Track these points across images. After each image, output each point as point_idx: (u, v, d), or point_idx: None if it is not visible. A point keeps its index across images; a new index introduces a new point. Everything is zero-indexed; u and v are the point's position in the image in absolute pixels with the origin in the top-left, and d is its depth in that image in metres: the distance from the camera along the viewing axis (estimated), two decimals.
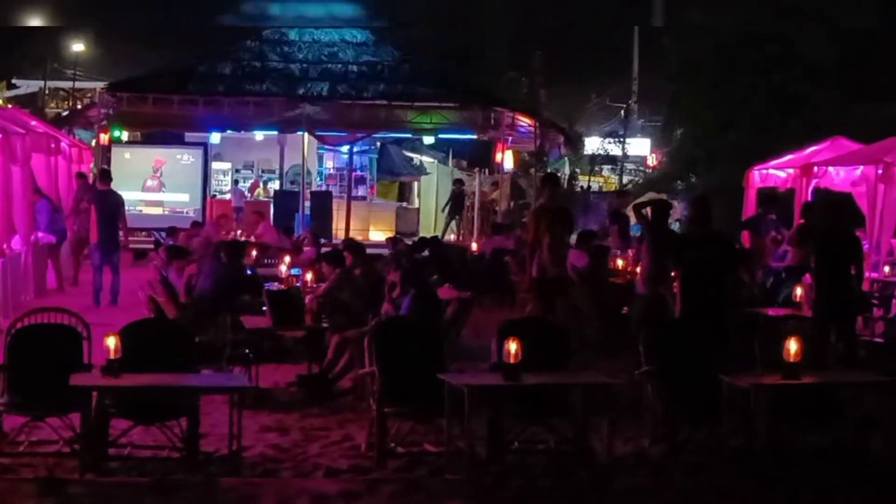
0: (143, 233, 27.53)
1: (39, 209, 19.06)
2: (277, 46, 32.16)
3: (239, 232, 23.76)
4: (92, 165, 25.97)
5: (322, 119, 29.99)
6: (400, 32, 35.88)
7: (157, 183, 29.37)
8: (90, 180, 22.78)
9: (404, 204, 37.63)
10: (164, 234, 21.83)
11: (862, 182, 17.69)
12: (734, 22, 31.77)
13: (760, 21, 31.37)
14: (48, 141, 19.67)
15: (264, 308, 13.64)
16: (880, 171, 16.90)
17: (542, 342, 10.19)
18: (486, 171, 34.59)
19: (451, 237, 32.44)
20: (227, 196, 34.21)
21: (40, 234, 19.25)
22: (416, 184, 38.62)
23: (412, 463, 9.70)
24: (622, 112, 44.43)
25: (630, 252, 18.23)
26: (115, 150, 29.23)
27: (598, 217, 32.19)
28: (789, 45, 31.01)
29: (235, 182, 35.82)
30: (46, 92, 48.26)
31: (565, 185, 35.92)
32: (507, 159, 31.18)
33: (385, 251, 20.34)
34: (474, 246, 24.78)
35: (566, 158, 39.12)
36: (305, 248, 19.62)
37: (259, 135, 32.58)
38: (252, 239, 22.09)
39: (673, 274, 12.70)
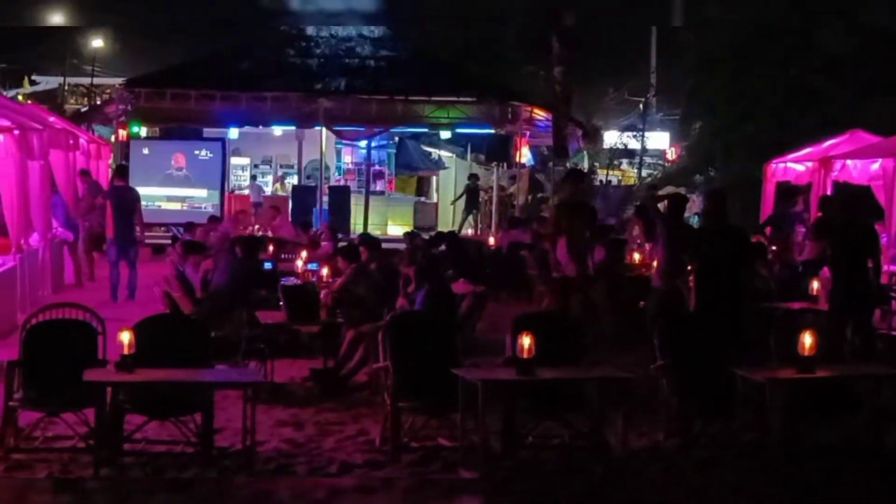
0: (162, 228, 27.57)
1: (55, 204, 19.13)
2: (295, 41, 32.21)
3: (256, 227, 23.78)
4: (110, 161, 26.02)
5: (339, 114, 30.01)
6: (417, 27, 35.90)
7: (182, 176, 29.50)
8: (108, 176, 22.86)
9: (422, 198, 37.61)
10: (181, 229, 21.85)
11: (880, 175, 17.60)
12: (752, 15, 31.67)
13: (778, 14, 31.27)
14: (66, 137, 19.69)
15: (281, 303, 13.67)
16: None
17: (557, 336, 10.18)
18: (505, 165, 34.55)
19: (469, 231, 32.42)
20: (246, 191, 34.28)
21: (58, 230, 19.31)
22: (434, 178, 38.59)
23: (426, 457, 9.69)
24: (640, 106, 44.30)
25: (647, 246, 18.20)
26: (133, 146, 29.32)
27: (615, 211, 32.09)
28: (806, 38, 30.91)
29: (254, 177, 35.87)
30: (66, 88, 48.36)
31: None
32: (525, 154, 31.17)
33: (403, 246, 20.33)
34: (492, 240, 24.76)
35: (584, 152, 39.05)
36: (323, 243, 19.64)
37: (277, 130, 32.64)
38: (269, 234, 22.12)
39: (689, 268, 12.66)
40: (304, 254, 17.12)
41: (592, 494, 9.03)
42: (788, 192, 19.82)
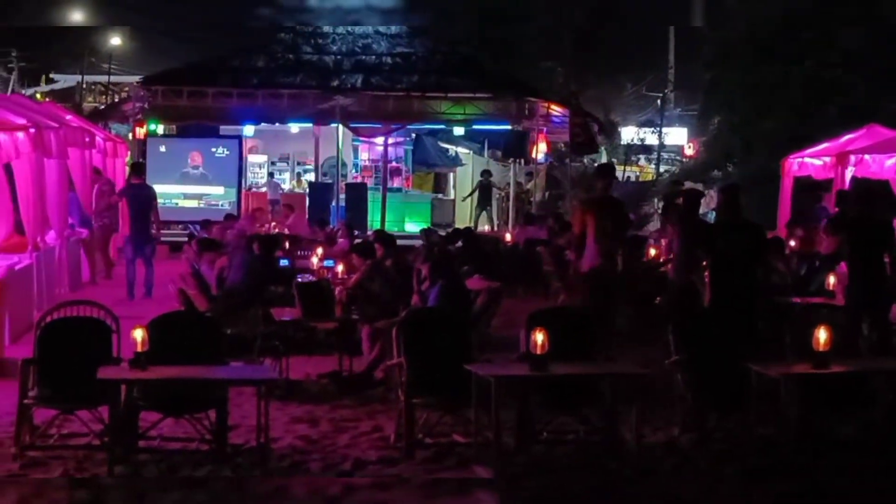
0: (179, 226, 27.62)
1: (71, 202, 19.17)
2: (311, 38, 32.24)
3: (273, 224, 23.81)
4: (127, 159, 26.09)
5: (356, 111, 30.03)
6: (433, 23, 35.88)
7: (199, 174, 29.57)
8: (124, 174, 22.93)
9: (439, 195, 37.56)
10: (198, 226, 21.89)
11: None
12: (773, 9, 31.56)
13: (798, 7, 31.15)
14: (82, 135, 19.74)
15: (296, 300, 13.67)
16: None
17: (572, 331, 10.17)
18: (522, 161, 34.51)
19: (485, 228, 32.39)
20: (263, 189, 34.32)
21: (74, 228, 19.36)
22: (451, 175, 38.55)
23: (440, 454, 9.70)
24: (658, 101, 44.21)
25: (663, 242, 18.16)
26: (150, 144, 29.40)
27: (632, 206, 31.98)
28: (825, 31, 30.79)
29: (271, 175, 35.92)
30: (84, 86, 48.49)
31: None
32: (542, 149, 31.13)
33: (420, 243, 20.35)
34: (508, 237, 24.75)
35: (602, 148, 38.97)
36: (339, 240, 19.65)
37: (294, 127, 32.70)
38: (286, 231, 22.16)
39: (703, 263, 12.63)
40: (319, 251, 17.14)
41: (607, 490, 9.02)
42: (814, 187, 19.73)
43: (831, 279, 13.97)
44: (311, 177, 34.25)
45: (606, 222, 13.45)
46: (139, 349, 8.96)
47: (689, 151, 43.54)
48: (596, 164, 25.80)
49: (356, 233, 21.13)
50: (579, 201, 16.45)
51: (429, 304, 12.20)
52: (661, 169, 42.05)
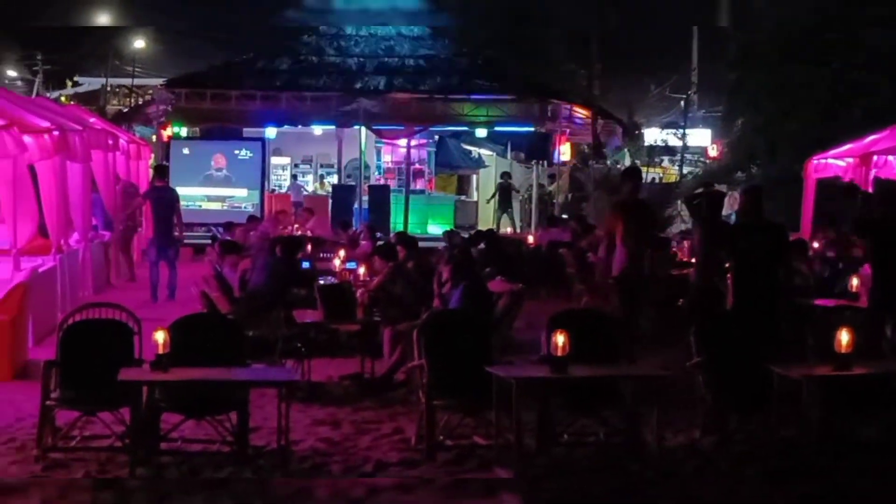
0: (203, 228, 27.71)
1: (95, 204, 19.26)
2: (334, 41, 32.34)
3: (296, 226, 23.87)
4: (151, 161, 26.19)
5: (379, 113, 30.08)
6: (456, 24, 35.87)
7: (222, 176, 29.65)
8: (147, 177, 23.03)
9: (462, 197, 37.61)
10: (221, 229, 21.95)
11: None
12: (798, 9, 31.44)
13: (824, 7, 31.02)
14: (106, 137, 19.83)
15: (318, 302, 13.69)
16: None
17: (593, 334, 10.15)
18: (545, 163, 34.49)
19: (508, 230, 32.39)
20: (286, 191, 34.39)
21: (99, 230, 19.45)
22: (474, 177, 38.58)
23: (461, 456, 9.69)
24: (682, 103, 44.09)
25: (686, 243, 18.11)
26: (173, 146, 29.50)
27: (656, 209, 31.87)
28: (851, 31, 30.64)
29: (294, 177, 35.98)
30: (108, 89, 48.70)
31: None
32: (564, 151, 31.11)
33: (443, 245, 20.36)
34: (531, 239, 24.73)
35: (625, 150, 38.92)
36: (362, 242, 19.66)
37: (318, 129, 32.77)
38: (308, 233, 22.21)
39: (726, 265, 12.60)
40: (342, 253, 17.16)
41: (628, 492, 8.99)
42: (849, 190, 19.61)
43: (854, 281, 13.91)
44: (333, 179, 34.33)
45: (634, 226, 13.44)
46: (160, 351, 8.99)
47: (712, 153, 43.40)
48: (621, 167, 25.82)
49: (379, 235, 21.15)
50: (610, 205, 16.39)
51: (451, 306, 12.20)
52: (685, 170, 41.92)
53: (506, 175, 34.25)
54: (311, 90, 30.14)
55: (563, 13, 36.67)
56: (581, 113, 30.95)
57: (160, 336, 9.01)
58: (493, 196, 34.45)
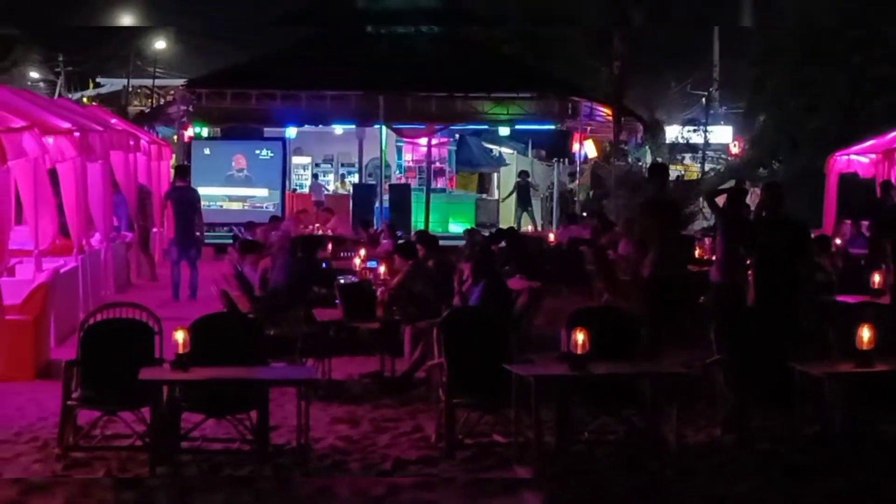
0: (224, 228, 27.76)
1: (117, 204, 19.33)
2: (354, 40, 32.26)
3: (317, 226, 23.89)
4: (172, 161, 26.26)
5: (399, 112, 30.08)
6: (478, 22, 35.84)
7: (243, 176, 29.70)
8: (169, 177, 23.11)
9: (484, 195, 37.58)
10: (242, 228, 21.99)
11: None
12: (821, 5, 31.35)
13: (848, 5, 30.92)
14: (126, 138, 19.89)
15: (337, 301, 13.70)
16: None
17: (613, 331, 10.12)
18: (566, 160, 34.46)
19: (528, 228, 32.35)
20: (307, 190, 34.43)
21: (121, 230, 19.52)
22: (495, 175, 38.56)
23: (481, 454, 9.68)
24: (703, 100, 44.03)
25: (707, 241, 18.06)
26: (194, 146, 29.56)
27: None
28: (874, 28, 30.53)
29: (315, 176, 36.02)
30: (129, 89, 48.86)
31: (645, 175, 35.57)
32: (588, 149, 31.05)
33: (464, 243, 20.35)
34: (551, 236, 24.71)
35: (647, 147, 38.85)
36: (383, 241, 19.68)
37: (338, 129, 32.80)
38: (329, 233, 22.23)
39: (748, 262, 12.56)
40: (362, 252, 17.16)
41: (649, 490, 8.96)
42: (885, 186, 19.53)
43: (877, 277, 13.84)
44: (354, 178, 34.34)
45: (663, 225, 13.40)
46: (180, 350, 9.00)
47: (734, 150, 43.33)
48: (642, 165, 25.76)
49: (399, 233, 21.14)
50: (636, 204, 16.31)
51: (472, 303, 12.19)
52: (707, 167, 41.84)
53: (523, 174, 34.22)
54: (331, 89, 30.13)
55: (587, 13, 36.62)
56: (602, 111, 30.88)
57: (180, 335, 9.03)
58: (510, 194, 34.41)
